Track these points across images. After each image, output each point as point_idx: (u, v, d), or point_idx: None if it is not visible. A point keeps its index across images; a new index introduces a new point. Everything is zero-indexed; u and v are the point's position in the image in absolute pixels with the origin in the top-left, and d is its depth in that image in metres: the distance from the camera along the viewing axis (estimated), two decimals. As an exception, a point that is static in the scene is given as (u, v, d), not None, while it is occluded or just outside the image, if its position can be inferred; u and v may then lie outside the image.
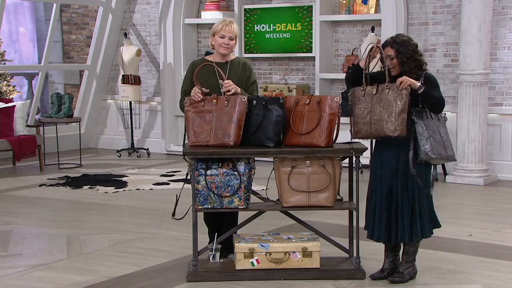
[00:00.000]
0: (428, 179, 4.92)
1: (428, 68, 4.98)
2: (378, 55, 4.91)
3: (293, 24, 10.16)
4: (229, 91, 5.13)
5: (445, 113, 5.02)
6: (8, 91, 10.62)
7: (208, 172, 5.01)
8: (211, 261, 5.25)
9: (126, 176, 9.24)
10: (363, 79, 4.91)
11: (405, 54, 4.83)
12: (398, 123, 4.75)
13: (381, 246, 5.15)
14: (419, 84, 4.76)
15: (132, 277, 5.23)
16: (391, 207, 4.89)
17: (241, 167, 5.03)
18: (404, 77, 4.78)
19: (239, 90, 5.18)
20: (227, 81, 5.16)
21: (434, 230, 5.04)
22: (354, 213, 5.14)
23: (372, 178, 5.00)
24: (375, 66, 5.03)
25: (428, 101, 4.79)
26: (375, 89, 4.86)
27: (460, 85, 8.72)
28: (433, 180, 4.98)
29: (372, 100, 4.85)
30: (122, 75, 10.87)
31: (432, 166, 4.97)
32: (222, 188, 5.02)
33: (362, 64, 4.93)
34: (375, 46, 4.89)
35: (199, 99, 5.11)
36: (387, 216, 4.90)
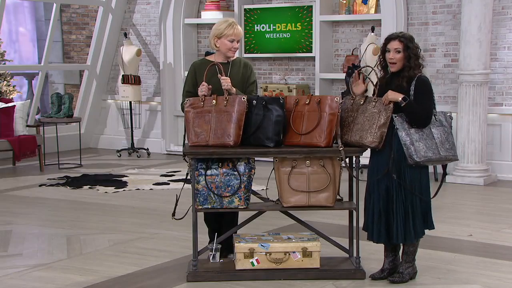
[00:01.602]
0: (424, 183, 4.92)
1: (424, 71, 4.99)
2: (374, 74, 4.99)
3: (293, 24, 10.16)
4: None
5: (450, 113, 5.03)
6: (8, 91, 10.62)
7: (208, 172, 5.00)
8: (211, 261, 5.25)
9: (126, 176, 9.24)
10: (352, 94, 5.09)
11: (412, 50, 4.87)
12: (377, 136, 4.86)
13: (381, 246, 5.15)
14: (400, 98, 4.81)
15: (132, 277, 5.23)
16: (389, 208, 4.89)
17: (241, 167, 5.03)
18: (389, 92, 4.84)
19: (233, 90, 5.18)
20: (225, 77, 5.17)
21: (431, 231, 5.05)
22: (354, 213, 5.14)
23: (370, 179, 5.00)
24: (375, 65, 5.06)
25: (409, 116, 4.84)
26: (362, 100, 4.99)
27: (460, 85, 8.72)
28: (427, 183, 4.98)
29: (358, 110, 4.98)
30: (122, 75, 10.86)
31: (432, 167, 4.97)
32: (222, 188, 5.01)
33: (356, 91, 5.08)
34: (357, 72, 5.02)
35: (205, 93, 5.11)
36: (386, 217, 4.90)
